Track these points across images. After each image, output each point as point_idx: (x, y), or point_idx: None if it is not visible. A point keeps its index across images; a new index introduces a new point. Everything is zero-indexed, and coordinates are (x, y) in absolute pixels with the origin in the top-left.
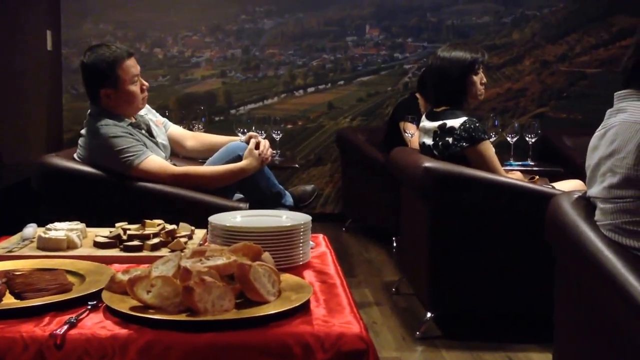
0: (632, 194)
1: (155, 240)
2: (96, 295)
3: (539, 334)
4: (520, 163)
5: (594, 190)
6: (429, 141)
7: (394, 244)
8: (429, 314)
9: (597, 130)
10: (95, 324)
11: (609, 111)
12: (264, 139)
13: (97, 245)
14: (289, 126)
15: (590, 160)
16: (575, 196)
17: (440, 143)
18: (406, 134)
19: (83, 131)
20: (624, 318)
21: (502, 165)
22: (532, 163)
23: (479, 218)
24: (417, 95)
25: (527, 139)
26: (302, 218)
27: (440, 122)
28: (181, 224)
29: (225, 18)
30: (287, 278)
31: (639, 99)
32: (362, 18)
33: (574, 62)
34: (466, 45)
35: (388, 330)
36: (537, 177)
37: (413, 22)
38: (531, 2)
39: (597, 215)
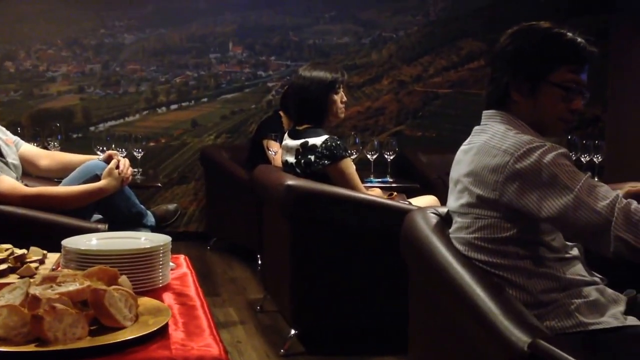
0: (482, 214)
1: (3, 267)
2: None
3: (398, 347)
4: (380, 180)
5: (452, 204)
6: (291, 159)
7: (259, 262)
8: (292, 331)
9: (464, 144)
10: None
11: (476, 128)
12: (125, 157)
13: None
14: (152, 144)
15: (453, 172)
16: (428, 212)
17: (302, 161)
18: (269, 152)
19: None
20: (470, 327)
21: (363, 182)
22: (391, 180)
23: (341, 235)
24: (281, 113)
25: (385, 156)
26: (161, 239)
27: (302, 140)
28: (32, 248)
29: (83, 32)
30: (145, 302)
31: (500, 122)
32: (225, 35)
33: (427, 83)
34: (327, 64)
35: (252, 348)
36: (395, 193)
37: (276, 40)
38: (388, 24)
39: (452, 228)
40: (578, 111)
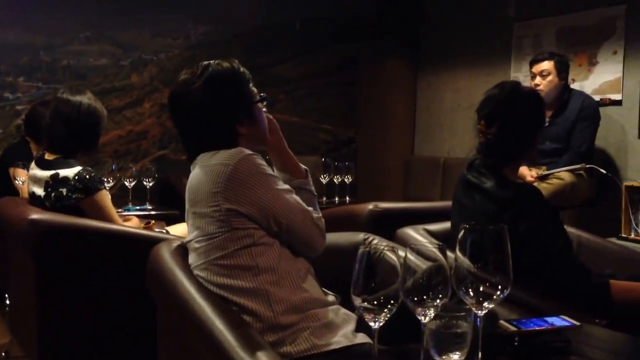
0: (212, 232)
1: None
2: None
3: None
4: (138, 207)
5: (190, 236)
6: (39, 191)
7: (7, 302)
8: None
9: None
10: None
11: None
12: None
13: None
14: None
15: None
16: (174, 243)
17: (52, 194)
18: (17, 181)
19: None
20: None
21: (121, 210)
22: (150, 207)
23: (92, 270)
24: (29, 138)
25: (144, 182)
26: None
27: (52, 172)
28: None
29: None
30: None
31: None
32: None
33: None
34: (86, 90)
35: None
36: (153, 221)
37: (24, 60)
38: (147, 46)
39: (191, 259)
40: None
